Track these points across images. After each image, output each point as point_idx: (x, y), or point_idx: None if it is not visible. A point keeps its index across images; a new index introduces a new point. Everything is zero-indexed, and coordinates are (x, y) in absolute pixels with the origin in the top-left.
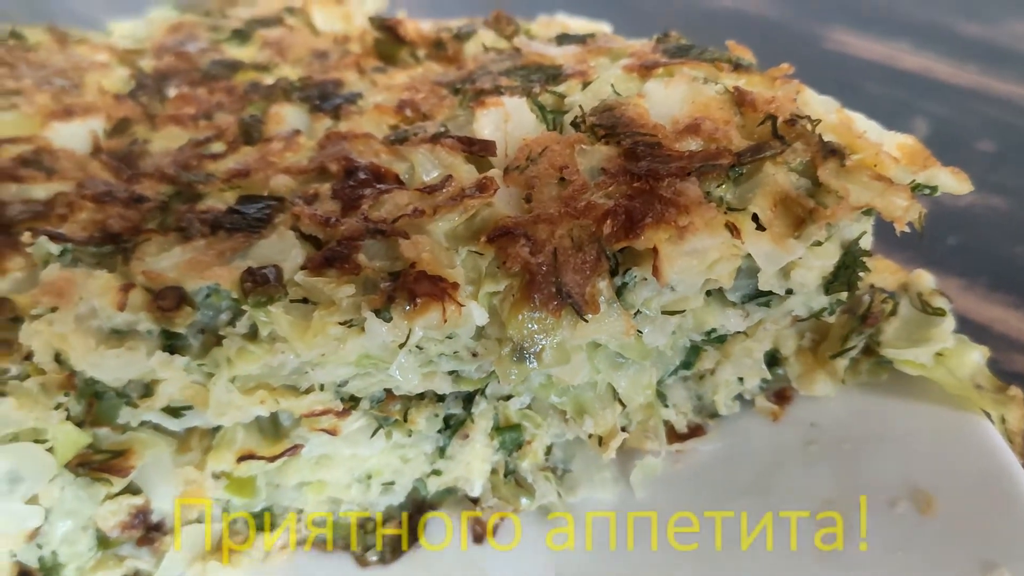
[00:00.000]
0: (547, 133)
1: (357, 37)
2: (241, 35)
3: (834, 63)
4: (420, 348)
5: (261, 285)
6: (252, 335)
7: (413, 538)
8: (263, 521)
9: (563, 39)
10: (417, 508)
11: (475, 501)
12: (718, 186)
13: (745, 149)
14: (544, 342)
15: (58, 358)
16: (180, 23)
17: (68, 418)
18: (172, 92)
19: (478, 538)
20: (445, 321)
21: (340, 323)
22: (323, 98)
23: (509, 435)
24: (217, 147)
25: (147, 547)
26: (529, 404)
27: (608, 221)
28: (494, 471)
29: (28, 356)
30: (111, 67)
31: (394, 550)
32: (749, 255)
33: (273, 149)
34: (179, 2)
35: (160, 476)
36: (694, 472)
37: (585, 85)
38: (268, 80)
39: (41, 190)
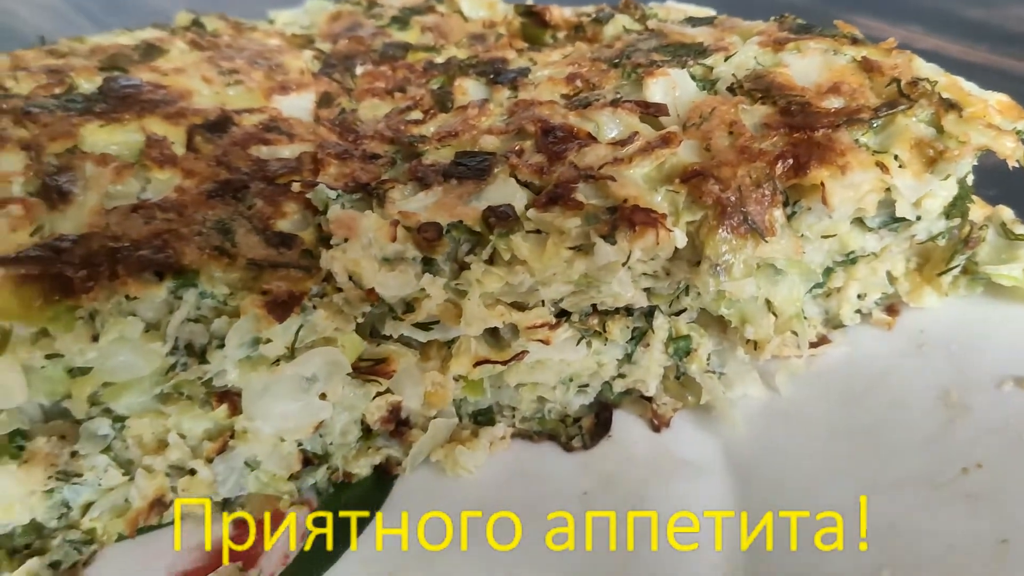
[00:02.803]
0: (711, 96)
1: (502, 22)
2: (400, 21)
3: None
4: (629, 267)
5: (502, 220)
6: (490, 261)
7: (605, 429)
8: (487, 417)
9: (694, 21)
10: (602, 407)
11: (649, 399)
12: (862, 135)
13: (880, 105)
14: (733, 259)
15: (350, 278)
16: (339, 12)
17: None
18: (359, 70)
19: (656, 428)
20: (658, 244)
21: (570, 248)
22: (496, 73)
23: (681, 343)
24: (415, 115)
25: (397, 439)
26: (695, 319)
27: (779, 163)
28: (665, 375)
29: (325, 278)
30: (292, 50)
31: (592, 437)
32: (889, 188)
33: (471, 115)
34: None
35: (409, 380)
36: (827, 372)
37: (727, 58)
38: (439, 59)
39: (286, 150)
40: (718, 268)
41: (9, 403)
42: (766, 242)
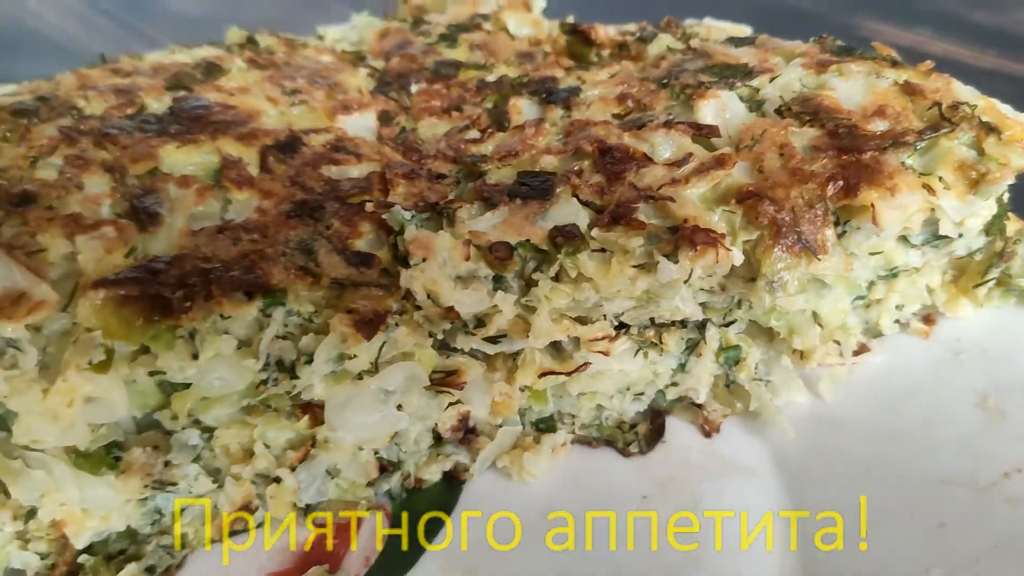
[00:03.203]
0: (761, 119)
1: (547, 39)
2: (448, 39)
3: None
4: (689, 284)
5: (569, 240)
6: (556, 278)
7: (660, 435)
8: (549, 424)
9: (736, 41)
10: (655, 414)
11: (699, 406)
12: (908, 157)
13: (923, 128)
14: (788, 276)
15: (428, 296)
16: (387, 29)
17: None
18: (414, 88)
19: (707, 434)
20: (717, 262)
21: (634, 266)
22: (548, 92)
23: (730, 353)
24: (473, 134)
25: (465, 446)
26: (744, 330)
27: (830, 185)
28: (715, 383)
29: (404, 296)
30: (347, 68)
31: (648, 442)
32: (934, 208)
33: (528, 134)
34: (377, 9)
35: (477, 390)
36: (868, 379)
37: (772, 79)
38: (490, 77)
39: (355, 170)
40: (774, 284)
41: (112, 417)
42: (819, 260)
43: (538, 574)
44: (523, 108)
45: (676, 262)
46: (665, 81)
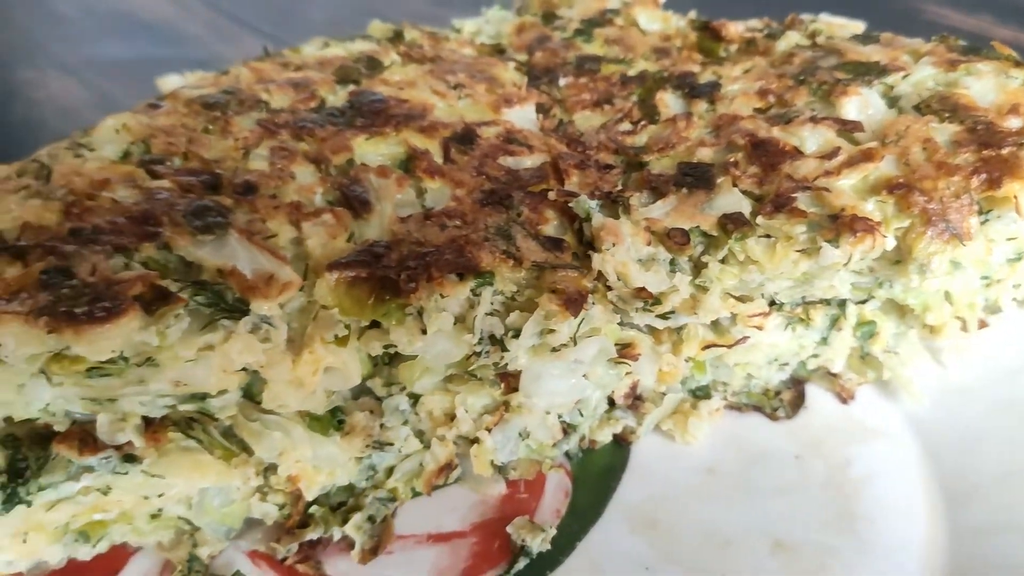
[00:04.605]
0: (904, 116)
1: (676, 34)
2: (583, 34)
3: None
4: (846, 267)
5: (738, 226)
6: (723, 260)
7: (802, 401)
8: (704, 391)
9: (863, 39)
10: (796, 382)
11: (835, 375)
12: None
13: None
14: (936, 260)
15: (618, 278)
16: (523, 23)
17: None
18: (562, 82)
19: (843, 400)
20: (873, 247)
21: (797, 250)
22: (691, 87)
23: (866, 327)
24: (625, 126)
25: (633, 411)
26: (879, 306)
27: (975, 177)
28: (850, 354)
29: (596, 278)
30: (498, 63)
31: (793, 408)
32: None
33: (680, 127)
34: (507, 3)
35: (646, 361)
36: (988, 352)
37: (904, 77)
38: (631, 72)
39: (528, 160)
40: (923, 267)
41: (347, 384)
42: (964, 246)
43: (709, 521)
44: (669, 102)
45: (837, 247)
46: (802, 78)
